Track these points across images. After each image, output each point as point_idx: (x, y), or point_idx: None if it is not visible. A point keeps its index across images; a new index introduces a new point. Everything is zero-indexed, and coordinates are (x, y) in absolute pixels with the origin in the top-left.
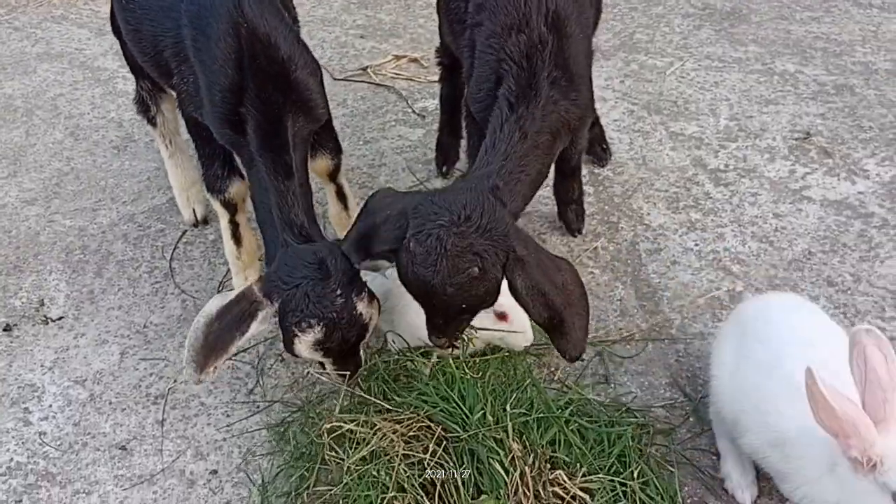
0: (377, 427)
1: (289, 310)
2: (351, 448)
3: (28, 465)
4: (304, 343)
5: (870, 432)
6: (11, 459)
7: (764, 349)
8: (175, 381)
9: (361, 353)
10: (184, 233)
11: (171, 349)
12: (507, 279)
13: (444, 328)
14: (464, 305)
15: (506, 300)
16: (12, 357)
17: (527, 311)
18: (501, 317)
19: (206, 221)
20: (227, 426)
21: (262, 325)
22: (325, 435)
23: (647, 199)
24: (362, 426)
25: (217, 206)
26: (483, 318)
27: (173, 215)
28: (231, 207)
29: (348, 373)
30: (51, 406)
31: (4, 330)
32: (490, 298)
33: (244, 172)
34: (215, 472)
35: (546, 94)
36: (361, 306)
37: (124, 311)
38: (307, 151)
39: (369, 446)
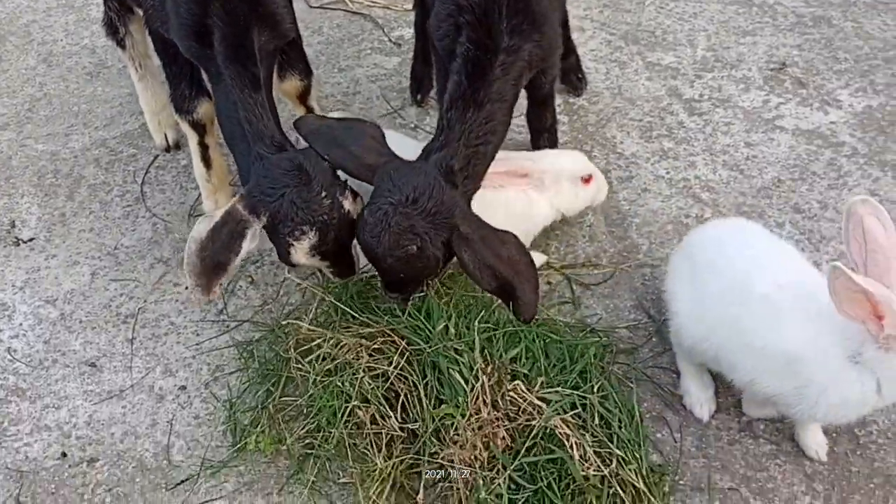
0: (343, 342)
1: (279, 221)
2: (317, 363)
3: None
4: (301, 250)
5: None
6: None
7: (726, 278)
8: (145, 301)
9: (354, 252)
10: (156, 157)
11: (141, 271)
12: (456, 255)
13: (394, 288)
14: (402, 275)
15: (581, 161)
16: None
17: (476, 282)
18: (587, 180)
19: (178, 146)
20: (197, 344)
21: (253, 242)
22: (292, 350)
23: (620, 128)
24: (328, 341)
25: (185, 127)
26: (570, 186)
27: (145, 140)
28: (199, 128)
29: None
30: (21, 324)
31: None
32: (428, 272)
33: (211, 89)
34: (184, 387)
35: (506, 45)
36: (347, 204)
37: (95, 234)
38: (273, 68)
39: (335, 360)
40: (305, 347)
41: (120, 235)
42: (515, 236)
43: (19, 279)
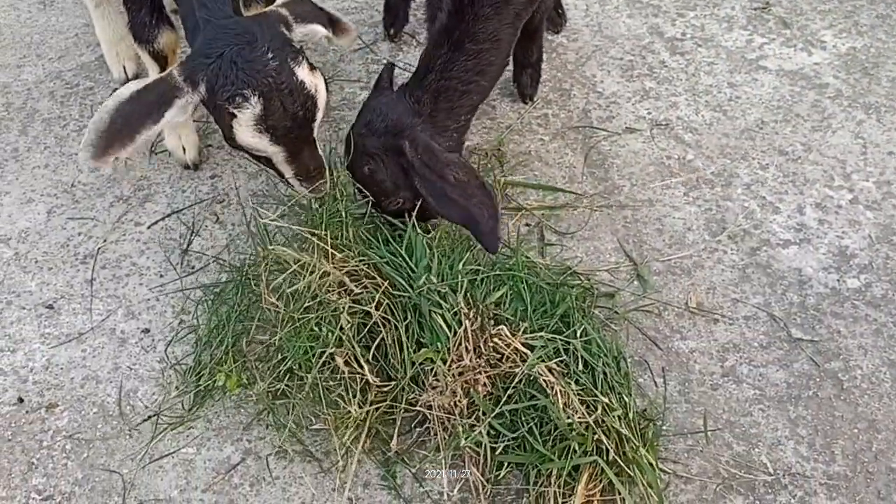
0: (323, 271)
1: (217, 86)
2: (292, 301)
3: None
4: (244, 124)
5: None
6: None
7: None
8: (105, 240)
9: (320, 150)
10: (114, 91)
11: (100, 209)
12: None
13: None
14: (371, 195)
15: None
16: None
17: (438, 213)
18: None
19: (137, 79)
20: (160, 286)
21: (180, 115)
22: (263, 283)
23: (601, 67)
24: (307, 270)
25: (146, 57)
26: None
27: (103, 73)
28: (161, 59)
29: (311, 181)
30: None
31: None
32: (387, 193)
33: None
34: (147, 330)
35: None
36: (301, 72)
37: (51, 170)
38: None
39: (315, 298)
40: (280, 278)
41: (77, 172)
42: (459, 156)
43: None
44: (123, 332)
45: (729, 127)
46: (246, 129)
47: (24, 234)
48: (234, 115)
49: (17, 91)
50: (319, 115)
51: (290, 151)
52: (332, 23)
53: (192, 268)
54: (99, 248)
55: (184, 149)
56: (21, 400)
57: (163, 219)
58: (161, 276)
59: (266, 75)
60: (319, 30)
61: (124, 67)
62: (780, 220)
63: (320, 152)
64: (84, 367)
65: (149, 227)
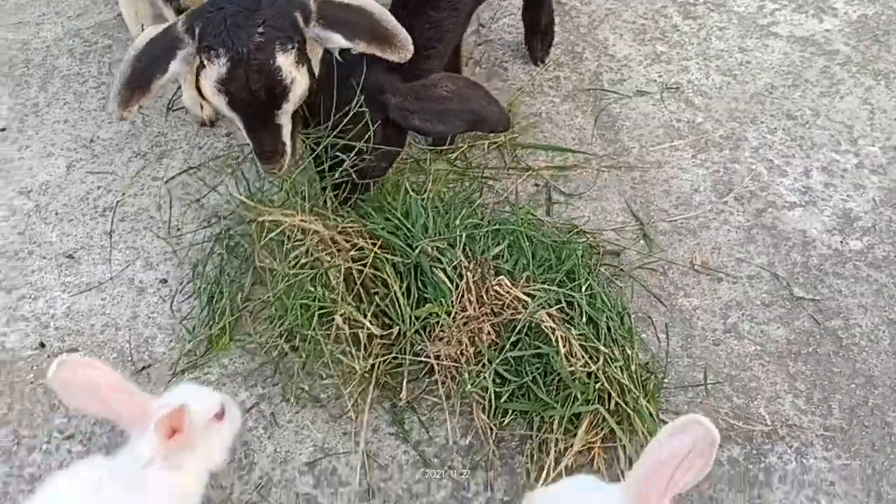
0: (318, 230)
1: (204, 34)
2: (291, 258)
3: None
4: (208, 77)
5: None
6: None
7: None
8: (123, 194)
9: (286, 132)
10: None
11: (119, 164)
12: (409, 129)
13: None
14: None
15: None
16: None
17: (447, 134)
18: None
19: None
20: (178, 238)
21: (183, 65)
22: (256, 240)
23: (613, 30)
24: (306, 234)
25: (169, 13)
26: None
27: (121, 31)
28: None
29: (269, 154)
30: None
31: None
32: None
33: None
34: (165, 281)
35: None
36: (283, 59)
37: (70, 125)
38: None
39: (313, 256)
40: (277, 231)
41: (96, 127)
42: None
43: None
44: (142, 282)
45: (738, 91)
46: (208, 82)
47: (45, 187)
48: (204, 66)
49: (36, 48)
50: (287, 107)
51: (247, 125)
52: (380, 37)
53: (209, 222)
54: (118, 202)
55: (201, 106)
56: (42, 345)
57: (180, 174)
58: (178, 228)
59: (244, 45)
60: (338, 40)
61: (142, 26)
62: (786, 182)
63: (285, 140)
64: (104, 315)
65: (166, 182)
